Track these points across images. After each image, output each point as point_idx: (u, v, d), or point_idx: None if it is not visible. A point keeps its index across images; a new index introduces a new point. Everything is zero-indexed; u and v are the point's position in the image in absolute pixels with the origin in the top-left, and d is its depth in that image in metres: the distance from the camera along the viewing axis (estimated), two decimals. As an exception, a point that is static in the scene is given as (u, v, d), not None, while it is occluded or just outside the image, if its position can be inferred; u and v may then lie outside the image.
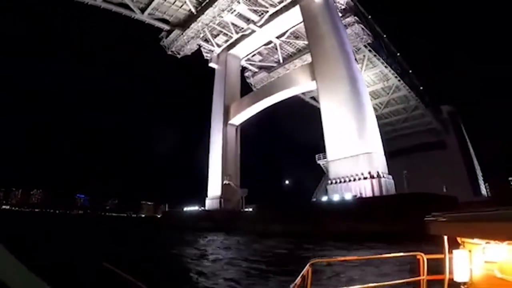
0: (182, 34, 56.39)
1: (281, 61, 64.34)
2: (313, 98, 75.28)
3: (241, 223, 40.47)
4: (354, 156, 34.22)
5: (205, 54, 63.56)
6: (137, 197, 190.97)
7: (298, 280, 2.64)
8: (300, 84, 45.88)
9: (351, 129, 35.32)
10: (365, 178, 32.68)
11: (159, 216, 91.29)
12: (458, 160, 73.86)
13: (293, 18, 51.53)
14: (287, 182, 70.23)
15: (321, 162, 40.86)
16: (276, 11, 51.45)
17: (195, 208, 58.00)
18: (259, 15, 53.10)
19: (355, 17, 51.90)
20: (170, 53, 60.39)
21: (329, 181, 36.11)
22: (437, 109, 79.65)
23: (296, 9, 49.03)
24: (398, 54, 69.94)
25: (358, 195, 31.67)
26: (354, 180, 33.40)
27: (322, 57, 41.04)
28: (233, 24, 55.32)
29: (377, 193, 31.49)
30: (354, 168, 33.81)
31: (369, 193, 31.63)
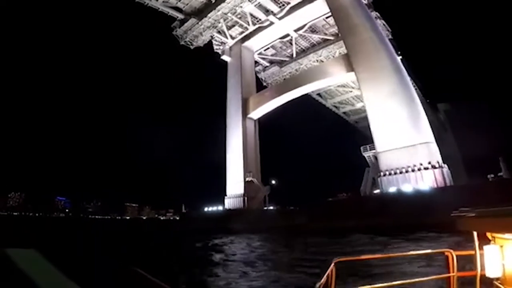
0: (198, 23, 53.61)
1: (294, 55, 63.19)
2: (319, 94, 75.06)
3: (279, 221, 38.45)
4: (410, 146, 33.51)
5: (215, 47, 60.85)
6: (120, 198, 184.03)
7: (323, 279, 2.59)
8: (333, 76, 45.05)
9: (403, 119, 34.70)
10: (425, 169, 32.01)
11: (177, 219, 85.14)
12: (456, 157, 76.18)
13: (316, 10, 50.80)
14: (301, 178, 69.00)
15: (368, 154, 39.77)
16: (298, 3, 50.28)
17: (218, 208, 54.48)
18: (280, 7, 51.57)
19: (377, 13, 51.84)
20: (183, 43, 57.29)
21: (381, 173, 35.18)
22: (434, 107, 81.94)
23: (320, 1, 48.17)
24: (399, 52, 71.18)
25: (420, 186, 30.95)
26: (413, 171, 32.61)
27: (360, 48, 40.23)
28: (251, 14, 53.33)
29: (440, 183, 30.96)
30: (411, 158, 33.07)
31: (431, 184, 31.02)
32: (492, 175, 39.10)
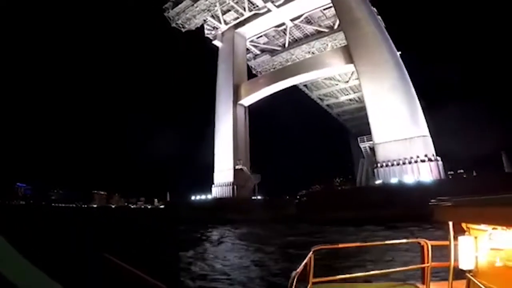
0: (193, 5, 51.68)
1: (286, 45, 62.87)
2: (305, 86, 75.36)
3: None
4: (408, 139, 34.74)
5: (207, 31, 59.16)
6: (87, 186, 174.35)
7: (300, 268, 2.59)
8: (332, 67, 45.31)
9: (403, 113, 35.85)
10: (422, 161, 33.36)
11: (162, 207, 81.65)
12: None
13: (316, 1, 50.53)
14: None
15: (365, 145, 40.46)
16: (299, -8, 49.68)
17: (207, 196, 53.17)
18: (280, -6, 50.75)
19: (374, 8, 52.56)
20: (174, 25, 55.16)
21: (378, 164, 36.16)
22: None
23: (321, -8, 48.17)
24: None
25: (416, 177, 32.12)
26: (410, 163, 33.89)
27: (362, 42, 40.71)
28: (249, 0, 52.16)
29: (435, 176, 32.39)
30: (408, 150, 34.33)
31: (428, 176, 32.30)
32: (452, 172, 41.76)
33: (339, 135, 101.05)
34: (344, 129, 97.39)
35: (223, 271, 10.46)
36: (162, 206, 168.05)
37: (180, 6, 52.73)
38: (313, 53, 62.68)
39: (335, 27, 57.27)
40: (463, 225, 2.77)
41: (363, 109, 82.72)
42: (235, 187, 50.12)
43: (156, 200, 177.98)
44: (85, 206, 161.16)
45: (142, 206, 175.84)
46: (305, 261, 2.67)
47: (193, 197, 55.55)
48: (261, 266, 11.17)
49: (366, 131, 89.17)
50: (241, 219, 36.17)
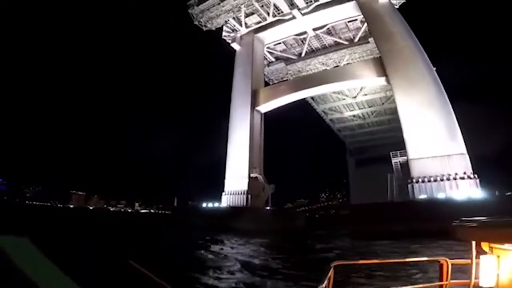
0: (219, 4, 50.07)
1: (303, 54, 62.25)
2: (312, 98, 75.02)
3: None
4: (445, 156, 34.42)
5: (225, 33, 57.56)
6: (66, 185, 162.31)
7: (325, 283, 2.62)
8: (362, 78, 44.82)
9: (440, 130, 35.64)
10: (461, 178, 33.01)
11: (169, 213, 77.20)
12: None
13: (343, 12, 50.53)
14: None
15: (397, 160, 39.72)
16: (328, 2, 49.20)
17: (220, 205, 50.33)
18: (307, 2, 50.12)
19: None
20: (196, 23, 53.37)
21: (413, 180, 35.44)
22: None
23: (350, 5, 48.02)
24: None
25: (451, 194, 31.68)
26: (448, 179, 33.43)
27: (397, 56, 40.55)
28: (275, 5, 51.24)
29: (475, 194, 31.94)
30: (446, 168, 33.99)
31: (466, 194, 31.77)
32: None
33: (336, 151, 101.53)
34: (341, 145, 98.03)
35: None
36: (143, 211, 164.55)
37: (206, 3, 50.96)
38: (328, 65, 62.55)
39: (356, 40, 57.48)
40: (484, 245, 2.83)
41: (364, 125, 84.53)
42: (248, 196, 47.90)
43: (137, 204, 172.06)
44: (61, 206, 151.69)
45: (122, 210, 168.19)
46: (328, 276, 2.66)
47: (204, 205, 52.49)
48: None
49: (363, 148, 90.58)
50: (262, 231, 34.38)
